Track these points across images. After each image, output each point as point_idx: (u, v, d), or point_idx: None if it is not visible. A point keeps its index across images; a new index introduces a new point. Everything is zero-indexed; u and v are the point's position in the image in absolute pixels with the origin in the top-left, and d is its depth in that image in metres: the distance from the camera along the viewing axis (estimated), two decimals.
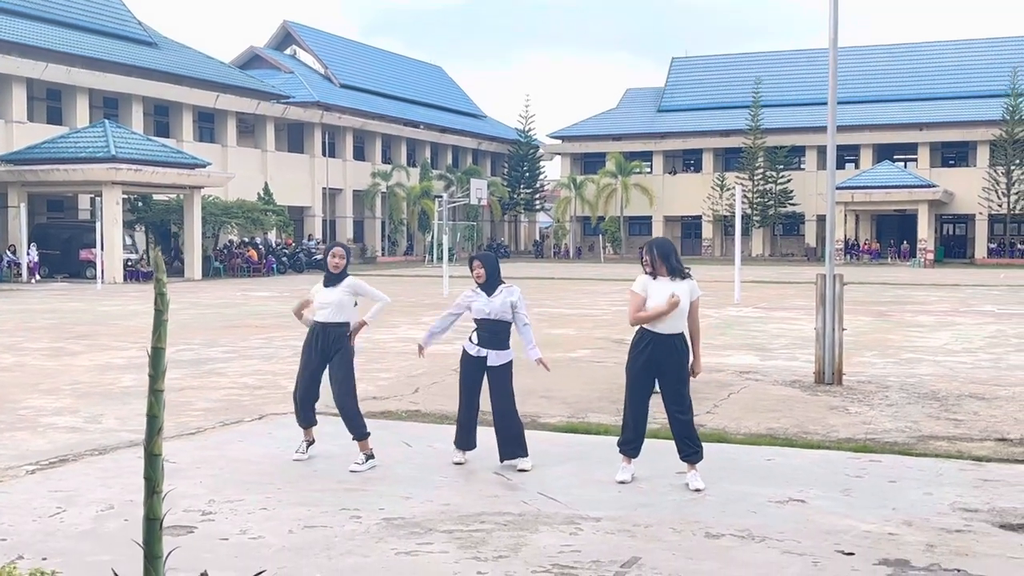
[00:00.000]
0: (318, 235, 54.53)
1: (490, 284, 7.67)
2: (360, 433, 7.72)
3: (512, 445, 7.65)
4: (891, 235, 62.68)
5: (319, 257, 48.22)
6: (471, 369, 7.72)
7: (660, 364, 7.03)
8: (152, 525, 2.65)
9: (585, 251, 69.70)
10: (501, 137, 74.16)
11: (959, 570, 5.32)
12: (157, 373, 2.62)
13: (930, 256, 56.19)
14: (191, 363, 14.00)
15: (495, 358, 7.62)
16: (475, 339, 7.70)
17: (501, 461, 7.65)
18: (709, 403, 10.50)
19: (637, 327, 7.14)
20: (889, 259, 59.46)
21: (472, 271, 7.72)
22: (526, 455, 7.65)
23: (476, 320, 7.71)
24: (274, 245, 47.37)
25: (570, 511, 6.43)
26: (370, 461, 7.68)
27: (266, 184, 49.80)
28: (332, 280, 7.86)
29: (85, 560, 5.36)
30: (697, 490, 6.92)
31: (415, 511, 6.41)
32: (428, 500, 6.68)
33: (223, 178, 42.75)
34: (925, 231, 57.15)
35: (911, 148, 63.77)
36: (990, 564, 5.43)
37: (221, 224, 44.14)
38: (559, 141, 73.10)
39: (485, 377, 7.70)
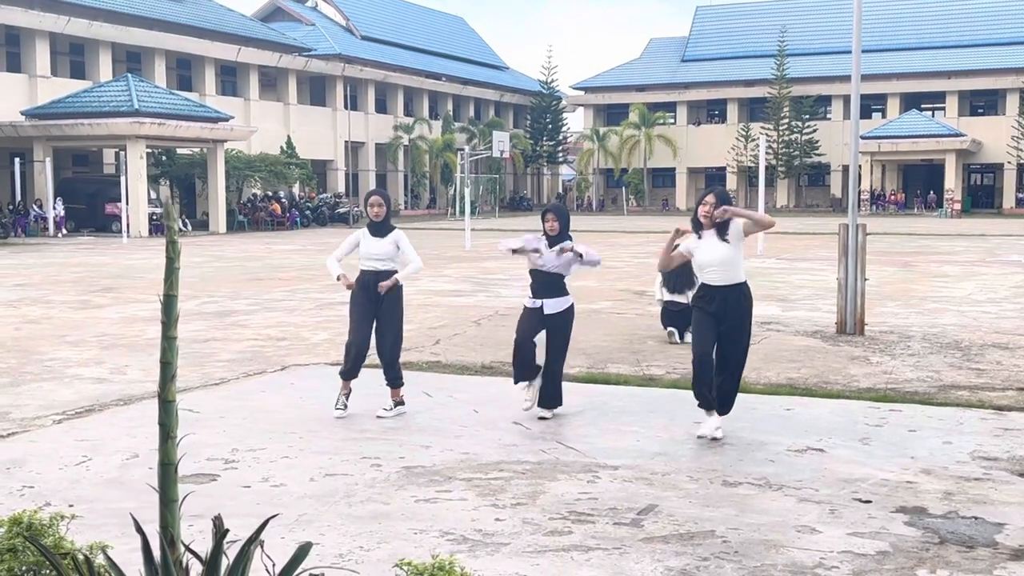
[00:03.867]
0: (340, 188, 54.54)
1: (560, 237, 7.57)
2: (397, 382, 7.82)
3: (553, 396, 7.65)
4: (918, 185, 61.97)
5: (342, 211, 48.31)
6: (528, 316, 7.66)
7: (719, 314, 7.00)
8: (167, 470, 2.70)
9: (608, 203, 69.34)
10: (523, 89, 73.55)
11: (976, 517, 5.33)
12: (170, 320, 2.65)
13: (957, 206, 55.58)
14: (215, 315, 14.11)
15: (552, 306, 7.57)
16: (530, 292, 7.70)
17: (539, 407, 7.65)
18: None
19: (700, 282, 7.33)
20: (916, 209, 58.86)
21: (545, 223, 7.59)
22: (559, 406, 7.68)
23: (531, 272, 7.67)
24: (297, 199, 47.45)
25: (588, 460, 6.48)
26: (398, 408, 7.77)
27: (289, 138, 49.77)
28: (378, 230, 7.83)
29: (111, 507, 5.45)
30: (715, 439, 6.94)
31: (435, 460, 6.47)
32: (447, 449, 6.74)
33: (246, 132, 42.78)
34: (952, 181, 56.48)
35: (939, 97, 62.82)
36: (1008, 512, 5.43)
37: (244, 178, 44.26)
38: (582, 92, 72.45)
39: (544, 330, 7.59)
